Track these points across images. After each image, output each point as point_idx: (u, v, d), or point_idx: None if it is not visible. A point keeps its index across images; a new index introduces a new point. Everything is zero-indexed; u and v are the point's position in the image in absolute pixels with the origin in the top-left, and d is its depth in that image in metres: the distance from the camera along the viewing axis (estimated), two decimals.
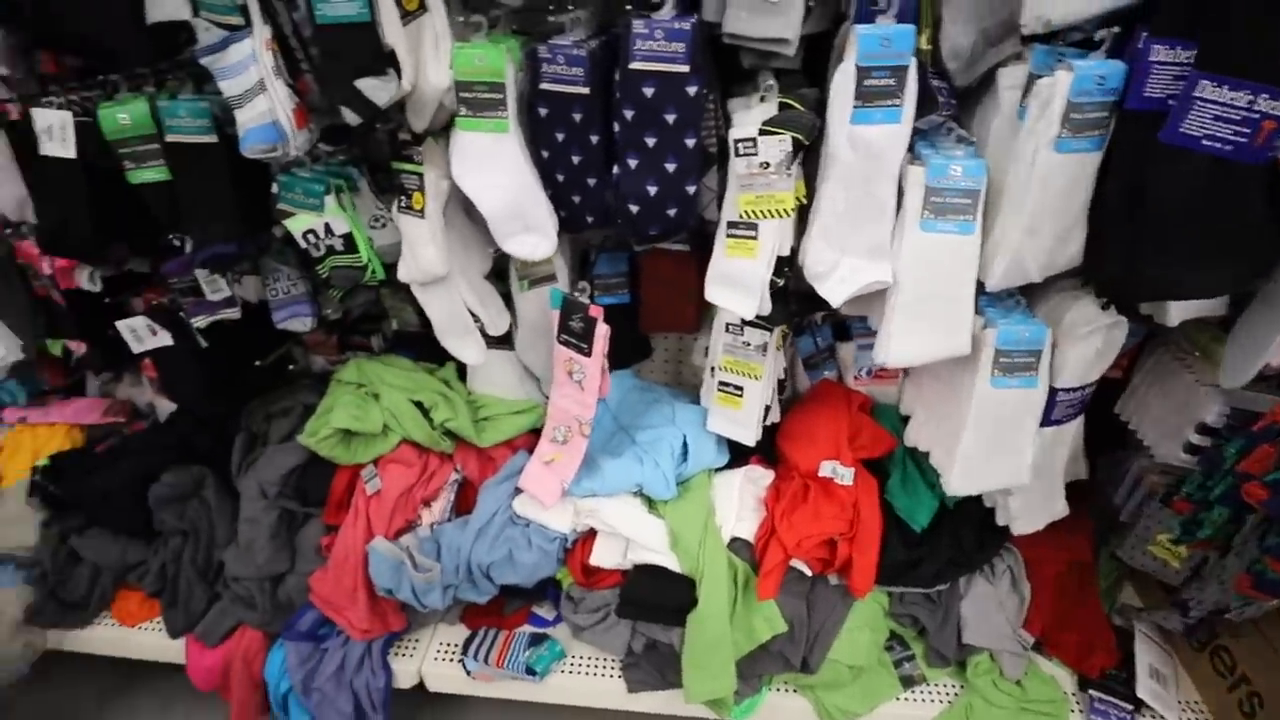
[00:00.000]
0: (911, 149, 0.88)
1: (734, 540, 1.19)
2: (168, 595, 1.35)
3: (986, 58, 0.88)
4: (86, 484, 1.38)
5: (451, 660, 1.30)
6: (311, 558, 1.31)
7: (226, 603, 1.33)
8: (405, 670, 1.29)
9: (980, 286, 0.92)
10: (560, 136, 0.96)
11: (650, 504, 1.22)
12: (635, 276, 1.28)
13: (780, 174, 0.88)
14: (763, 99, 0.93)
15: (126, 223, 1.08)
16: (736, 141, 0.88)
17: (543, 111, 0.95)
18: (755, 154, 0.88)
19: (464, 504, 1.31)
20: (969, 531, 1.20)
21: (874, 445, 1.20)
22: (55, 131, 1.01)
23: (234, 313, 1.21)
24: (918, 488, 1.21)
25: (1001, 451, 1.00)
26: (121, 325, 1.21)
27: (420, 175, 1.01)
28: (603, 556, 1.20)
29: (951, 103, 0.91)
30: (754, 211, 0.92)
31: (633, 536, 1.17)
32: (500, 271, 1.24)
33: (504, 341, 1.26)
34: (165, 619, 1.35)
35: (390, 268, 1.13)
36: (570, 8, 1.08)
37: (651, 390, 1.36)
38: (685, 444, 1.22)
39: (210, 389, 1.30)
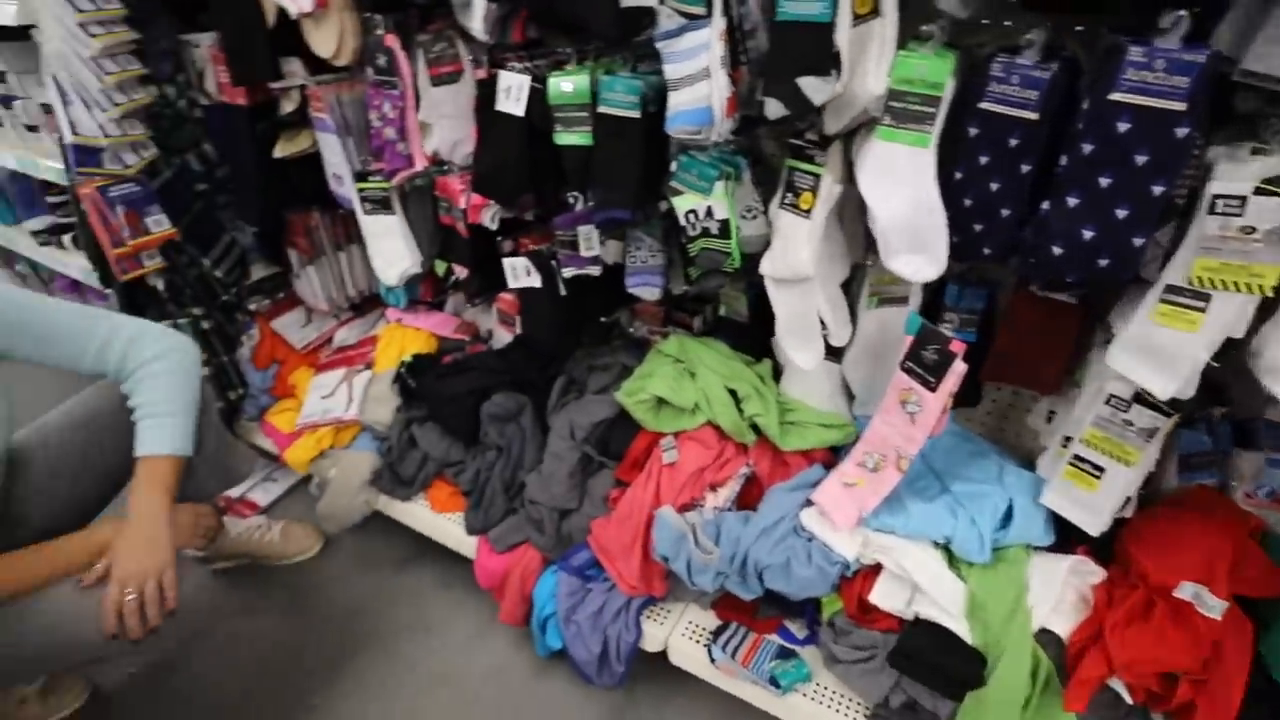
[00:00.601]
0: None
1: (1043, 631, 1.06)
2: (474, 497, 1.55)
3: None
4: (435, 385, 1.62)
5: (696, 641, 1.34)
6: (598, 504, 1.42)
7: (520, 519, 1.49)
8: (653, 635, 1.35)
9: None
10: (984, 160, 0.90)
11: (950, 559, 1.13)
12: (988, 317, 1.18)
13: (1270, 243, 0.74)
14: (1256, 150, 0.78)
15: (542, 177, 1.24)
16: (1217, 197, 0.76)
17: (972, 131, 0.90)
18: (1239, 215, 0.75)
19: (745, 498, 1.33)
20: None
21: (1263, 583, 0.99)
22: (513, 92, 1.19)
23: (596, 270, 1.33)
24: None
25: None
26: (506, 263, 1.40)
27: (817, 177, 1.02)
28: (884, 598, 1.14)
29: None
30: (1212, 280, 0.79)
31: (926, 588, 1.09)
32: (846, 283, 1.22)
33: (832, 353, 1.24)
34: (467, 516, 1.55)
35: (747, 258, 1.16)
36: (1006, 22, 1.02)
37: (973, 440, 1.25)
38: (1009, 509, 1.11)
39: (560, 331, 1.46)
